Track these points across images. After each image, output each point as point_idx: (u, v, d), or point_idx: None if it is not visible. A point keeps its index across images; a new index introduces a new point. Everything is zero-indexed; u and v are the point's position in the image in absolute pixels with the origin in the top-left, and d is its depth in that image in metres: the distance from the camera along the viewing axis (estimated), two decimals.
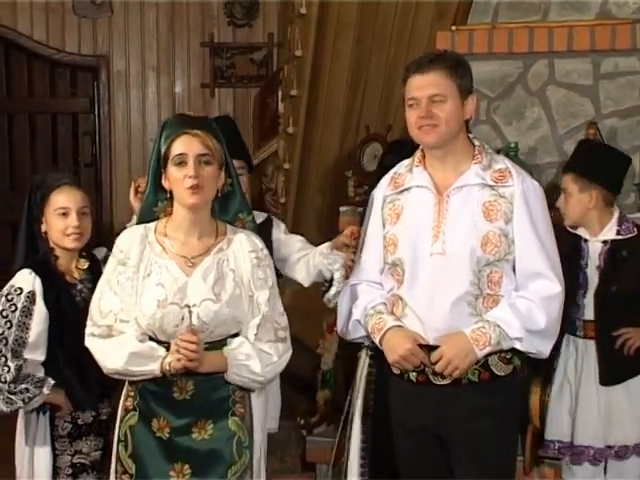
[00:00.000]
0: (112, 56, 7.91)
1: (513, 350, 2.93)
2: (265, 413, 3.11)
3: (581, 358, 3.80)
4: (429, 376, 2.93)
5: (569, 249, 3.70)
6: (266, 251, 2.93)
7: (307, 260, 3.59)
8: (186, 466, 2.83)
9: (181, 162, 2.79)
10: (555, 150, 4.61)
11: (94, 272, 3.27)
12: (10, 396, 3.16)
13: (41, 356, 3.22)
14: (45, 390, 3.19)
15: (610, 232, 3.75)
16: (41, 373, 3.23)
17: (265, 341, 2.86)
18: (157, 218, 2.92)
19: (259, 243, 2.92)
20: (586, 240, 3.76)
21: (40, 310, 3.21)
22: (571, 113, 4.56)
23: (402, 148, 3.35)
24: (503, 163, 2.99)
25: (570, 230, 3.81)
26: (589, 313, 3.76)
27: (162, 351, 2.79)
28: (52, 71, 8.31)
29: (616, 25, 4.42)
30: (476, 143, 3.01)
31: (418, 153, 3.04)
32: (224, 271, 2.84)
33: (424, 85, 2.91)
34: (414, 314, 2.92)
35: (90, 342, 2.87)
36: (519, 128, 4.65)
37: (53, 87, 8.42)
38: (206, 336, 2.80)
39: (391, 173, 3.10)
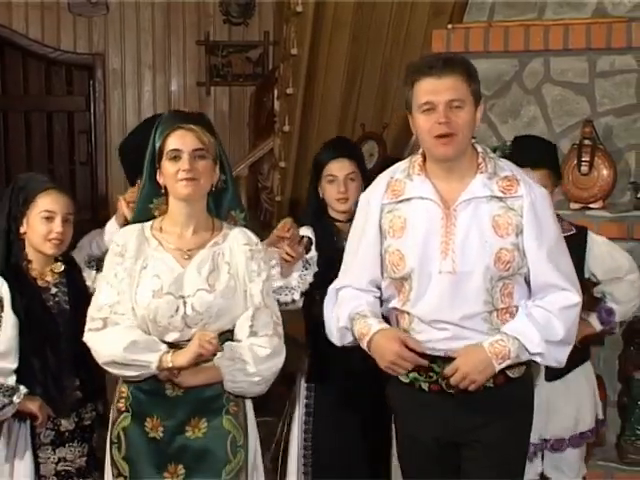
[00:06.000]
0: (108, 54, 7.91)
1: None
2: None
3: None
4: (443, 386, 2.82)
5: None
6: (260, 245, 2.94)
7: None
8: (180, 466, 2.82)
9: (175, 157, 2.80)
10: None
11: (72, 275, 3.23)
12: None
13: (13, 364, 3.09)
14: (15, 399, 3.07)
15: None
16: (12, 381, 3.09)
17: (262, 335, 2.85)
18: (153, 217, 2.93)
19: (253, 237, 2.93)
20: None
21: (8, 317, 3.11)
22: (567, 111, 4.53)
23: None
24: (508, 170, 2.86)
25: None
26: None
27: (163, 346, 2.78)
28: (47, 69, 8.29)
29: (612, 23, 4.39)
30: (479, 149, 2.87)
31: (418, 159, 2.88)
32: (219, 263, 2.85)
33: (441, 89, 2.73)
34: (422, 328, 2.81)
35: (88, 337, 2.85)
36: (515, 126, 4.62)
37: (49, 85, 8.40)
38: (200, 329, 2.80)
39: (386, 177, 2.92)
